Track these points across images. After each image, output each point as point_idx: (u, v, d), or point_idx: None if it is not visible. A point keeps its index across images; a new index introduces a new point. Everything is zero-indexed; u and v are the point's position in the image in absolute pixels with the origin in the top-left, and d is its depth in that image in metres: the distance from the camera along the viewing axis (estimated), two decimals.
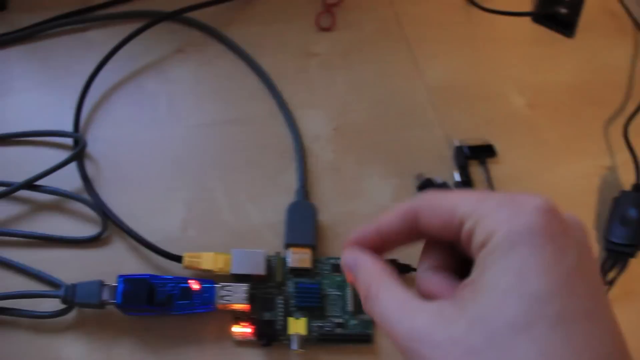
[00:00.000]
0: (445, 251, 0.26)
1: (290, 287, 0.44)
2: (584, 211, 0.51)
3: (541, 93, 0.57)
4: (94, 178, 0.48)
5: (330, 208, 0.49)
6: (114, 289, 0.41)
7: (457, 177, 0.50)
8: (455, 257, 0.26)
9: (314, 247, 0.45)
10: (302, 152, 0.50)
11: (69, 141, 0.50)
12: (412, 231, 0.26)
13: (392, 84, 0.55)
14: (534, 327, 0.19)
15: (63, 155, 0.48)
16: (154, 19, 0.54)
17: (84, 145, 0.48)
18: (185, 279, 0.42)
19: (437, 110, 0.54)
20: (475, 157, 0.52)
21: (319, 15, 0.58)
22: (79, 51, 0.54)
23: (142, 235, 0.45)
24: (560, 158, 0.53)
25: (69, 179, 0.47)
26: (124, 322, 0.42)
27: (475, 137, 0.53)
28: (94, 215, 0.46)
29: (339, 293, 0.44)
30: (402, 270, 0.45)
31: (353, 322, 0.43)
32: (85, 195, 0.47)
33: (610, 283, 0.47)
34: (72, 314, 0.42)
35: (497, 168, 0.52)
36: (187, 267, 0.43)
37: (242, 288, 0.42)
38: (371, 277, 0.26)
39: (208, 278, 0.42)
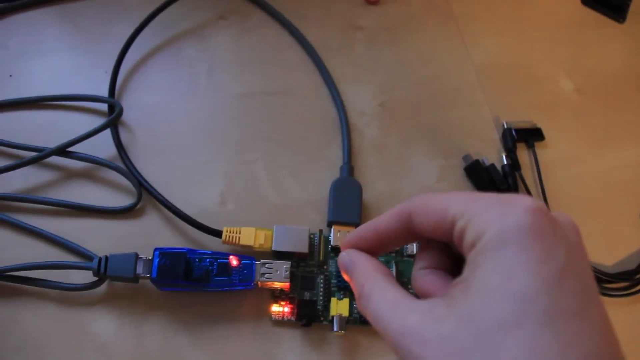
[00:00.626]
0: (441, 251, 0.27)
1: (332, 266, 0.42)
2: (631, 199, 0.49)
3: (590, 78, 0.55)
4: (128, 146, 0.46)
5: (375, 186, 0.47)
6: (149, 262, 0.39)
7: (504, 159, 0.48)
8: (451, 257, 0.26)
9: (357, 226, 0.43)
10: (347, 127, 0.48)
11: (103, 107, 0.48)
12: (406, 232, 0.26)
13: (440, 61, 0.54)
14: (523, 326, 0.19)
15: (97, 121, 0.46)
16: None
17: (120, 112, 0.46)
18: (223, 255, 0.40)
19: (485, 91, 0.52)
20: (522, 140, 0.50)
21: None
22: (114, 14, 0.52)
23: (179, 207, 0.43)
24: (608, 145, 0.51)
25: (103, 146, 0.46)
26: (157, 297, 0.41)
27: (523, 120, 0.51)
28: (128, 184, 0.44)
29: None
30: None
31: None
32: (120, 164, 0.45)
33: None
34: (102, 287, 0.41)
35: (544, 152, 0.50)
36: (225, 242, 0.41)
37: (284, 266, 0.40)
38: (365, 277, 0.26)
39: (246, 254, 0.40)
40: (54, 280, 0.40)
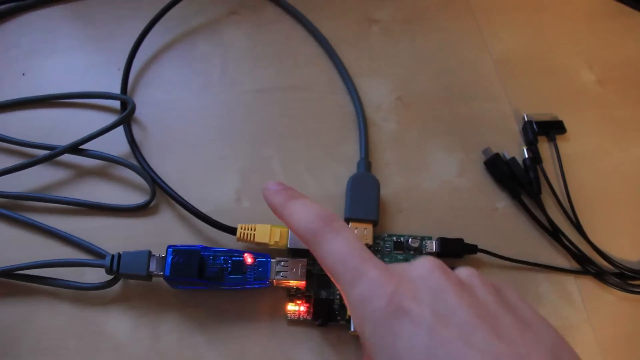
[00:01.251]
0: None
1: None
2: None
3: (611, 69, 0.53)
4: (141, 143, 0.46)
5: (393, 182, 0.46)
6: (162, 260, 0.38)
7: (525, 153, 0.47)
8: None
9: (375, 223, 0.42)
10: (364, 122, 0.47)
11: (115, 104, 0.47)
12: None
13: (457, 54, 0.53)
14: None
15: (109, 118, 0.45)
16: None
17: (133, 109, 0.45)
18: (238, 252, 0.39)
19: (504, 83, 0.51)
20: (543, 132, 0.49)
21: None
22: (126, 11, 0.52)
23: (193, 204, 0.42)
24: (632, 137, 0.50)
25: (115, 143, 0.45)
26: (171, 295, 0.40)
27: (543, 113, 0.50)
28: (141, 182, 0.44)
29: None
30: (469, 250, 0.42)
31: None
32: (133, 161, 0.44)
33: None
34: (117, 287, 0.40)
35: (566, 145, 0.49)
36: (240, 240, 0.40)
37: (301, 264, 0.39)
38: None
39: (261, 252, 0.40)
40: (68, 279, 0.40)
